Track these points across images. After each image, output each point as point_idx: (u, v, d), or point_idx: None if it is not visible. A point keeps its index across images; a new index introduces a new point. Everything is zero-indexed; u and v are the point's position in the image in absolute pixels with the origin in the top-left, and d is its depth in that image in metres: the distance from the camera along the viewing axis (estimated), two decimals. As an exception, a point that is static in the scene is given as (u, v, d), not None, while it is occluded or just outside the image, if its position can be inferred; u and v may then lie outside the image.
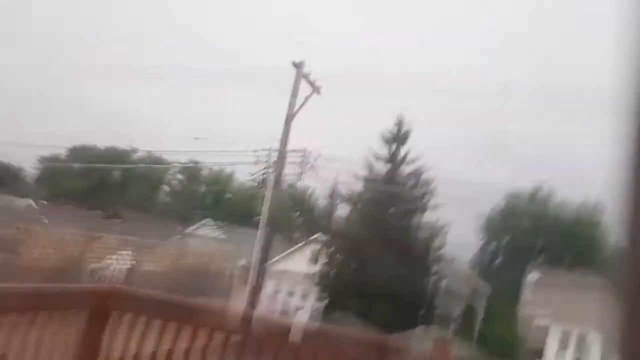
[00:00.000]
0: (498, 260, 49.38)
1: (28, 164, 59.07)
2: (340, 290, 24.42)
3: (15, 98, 71.90)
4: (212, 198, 72.23)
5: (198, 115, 75.09)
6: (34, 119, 66.59)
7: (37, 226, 9.28)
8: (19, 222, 8.79)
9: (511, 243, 48.38)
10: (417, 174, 26.85)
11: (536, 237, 48.02)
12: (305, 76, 17.96)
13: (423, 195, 27.66)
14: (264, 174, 20.03)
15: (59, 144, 72.05)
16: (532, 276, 30.60)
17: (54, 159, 61.41)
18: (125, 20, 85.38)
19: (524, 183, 49.11)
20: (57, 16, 78.22)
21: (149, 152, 66.16)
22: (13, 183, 66.36)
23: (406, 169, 26.84)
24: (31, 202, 46.92)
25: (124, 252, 11.31)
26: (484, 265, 48.98)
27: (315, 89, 18.35)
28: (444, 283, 27.68)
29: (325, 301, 27.55)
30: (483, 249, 50.28)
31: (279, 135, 18.04)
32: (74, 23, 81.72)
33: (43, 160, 59.47)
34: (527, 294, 29.27)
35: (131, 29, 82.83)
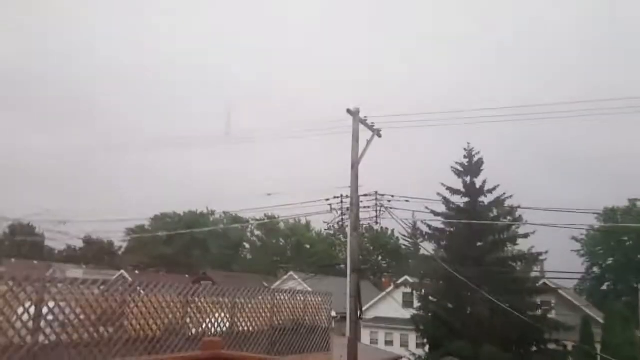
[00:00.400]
0: (606, 284, 45.66)
1: (117, 237, 62.09)
2: (440, 334, 23.06)
3: (92, 178, 77.17)
4: (292, 250, 72.62)
5: (268, 172, 77.03)
6: (114, 194, 70.81)
7: (133, 296, 9.20)
8: (117, 295, 8.72)
9: (616, 263, 44.63)
10: (498, 203, 25.43)
11: (642, 253, 44.13)
12: (363, 121, 17.76)
13: (509, 224, 26.15)
14: (339, 221, 19.62)
15: (142, 214, 76.12)
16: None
17: (139, 229, 64.29)
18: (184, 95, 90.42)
19: (612, 201, 45.67)
20: (118, 91, 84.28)
21: (226, 212, 68.06)
22: (106, 257, 70.04)
23: (486, 200, 25.50)
24: (124, 273, 49.02)
25: (217, 315, 11.03)
26: (592, 291, 45.47)
27: (376, 132, 18.07)
28: (552, 315, 25.59)
29: (426, 348, 26.17)
30: (587, 273, 46.69)
31: (347, 182, 17.73)
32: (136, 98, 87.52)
33: (129, 232, 62.38)
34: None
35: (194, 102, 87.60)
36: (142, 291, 9.59)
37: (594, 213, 41.18)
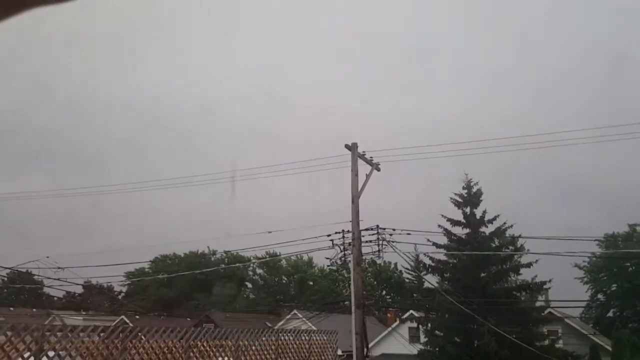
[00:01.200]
0: (612, 310, 45.05)
1: (117, 282, 61.47)
2: (449, 369, 22.63)
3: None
4: (295, 288, 71.86)
5: (269, 210, 77.09)
6: (113, 238, 70.58)
7: (134, 342, 9.08)
8: (117, 341, 8.60)
9: (620, 289, 44.18)
10: (499, 233, 25.39)
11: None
12: (361, 156, 17.94)
13: (511, 254, 26.05)
14: (342, 257, 19.52)
15: (142, 257, 75.75)
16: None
17: (139, 272, 63.70)
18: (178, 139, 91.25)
19: (612, 227, 45.60)
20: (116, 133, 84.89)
21: (227, 252, 67.64)
22: (106, 302, 69.13)
23: (487, 230, 25.46)
24: (125, 318, 48.30)
25: (221, 358, 10.85)
26: (599, 318, 44.84)
27: (374, 166, 18.23)
28: (559, 344, 25.17)
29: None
30: (592, 300, 46.14)
31: (349, 216, 17.75)
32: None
33: (129, 275, 61.82)
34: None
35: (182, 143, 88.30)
36: (143, 337, 9.46)
37: (595, 240, 41.04)
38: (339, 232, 19.09)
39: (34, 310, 54.33)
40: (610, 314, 45.40)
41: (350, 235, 17.85)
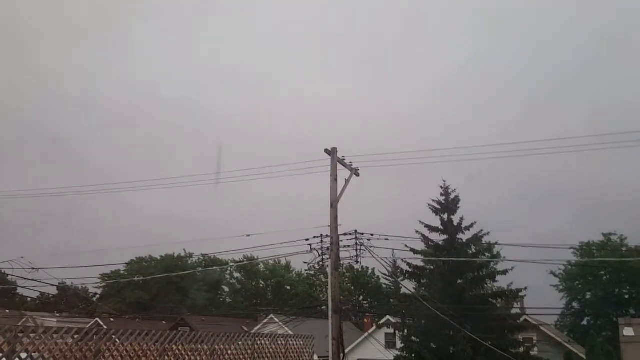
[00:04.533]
0: (586, 319, 45.80)
1: (92, 283, 60.55)
2: (425, 375, 22.73)
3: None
4: (272, 292, 71.51)
5: (247, 213, 76.64)
6: (89, 239, 69.52)
7: (109, 345, 8.95)
8: (91, 344, 8.47)
9: (595, 298, 44.97)
10: (476, 240, 25.64)
11: (620, 287, 44.58)
12: (341, 161, 18.04)
13: (488, 261, 26.32)
14: (320, 261, 19.50)
15: (117, 259, 74.68)
16: (627, 331, 27.84)
17: (114, 275, 62.77)
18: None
19: (587, 236, 46.43)
20: (95, 132, 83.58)
21: (204, 255, 67.05)
22: (81, 304, 67.95)
23: (464, 237, 25.68)
24: (99, 320, 47.51)
25: (197, 362, 10.76)
26: (573, 326, 45.54)
27: (353, 172, 18.34)
28: (534, 351, 25.50)
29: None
30: (567, 308, 46.84)
31: (327, 221, 17.78)
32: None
33: (104, 277, 60.81)
34: (626, 351, 26.48)
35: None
36: (117, 340, 9.33)
37: (570, 248, 41.72)
38: (318, 237, 19.06)
39: (7, 311, 53.08)
40: (584, 322, 46.16)
41: (328, 239, 17.86)
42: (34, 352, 7.75)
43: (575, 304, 47.35)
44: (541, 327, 30.07)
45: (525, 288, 25.41)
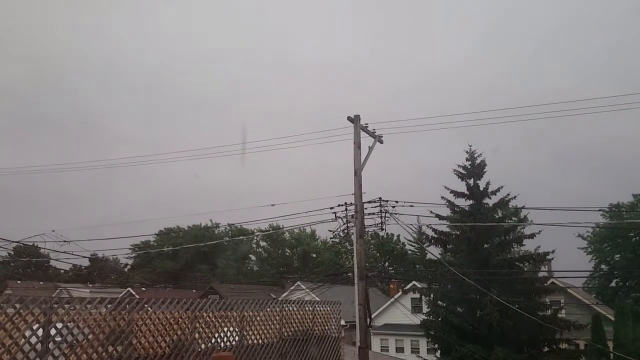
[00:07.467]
0: (615, 280, 45.31)
1: (122, 254, 62.13)
2: (452, 339, 22.86)
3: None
4: (298, 260, 72.44)
5: (272, 183, 77.03)
6: (118, 210, 70.88)
7: (141, 314, 9.15)
8: (124, 313, 8.67)
9: (624, 260, 44.33)
10: (502, 204, 25.31)
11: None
12: (364, 128, 17.76)
13: (515, 225, 26.03)
14: (344, 229, 19.49)
15: (147, 230, 76.21)
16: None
17: (144, 245, 64.18)
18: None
19: (617, 197, 45.51)
20: (121, 104, 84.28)
21: (231, 224, 68.00)
22: (112, 275, 69.93)
23: (490, 202, 25.40)
24: (131, 290, 48.91)
25: (226, 329, 10.95)
26: (601, 288, 45.14)
27: (377, 139, 18.06)
28: (562, 314, 25.38)
29: (438, 353, 25.98)
30: (595, 270, 46.37)
31: (351, 189, 17.66)
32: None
33: (135, 248, 62.27)
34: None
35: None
36: (149, 308, 9.53)
37: (599, 210, 41.03)
38: (342, 205, 19.03)
39: (41, 283, 55.01)
40: (613, 284, 45.71)
41: (353, 207, 17.82)
42: (69, 322, 7.98)
43: (603, 266, 46.84)
44: (569, 290, 29.87)
45: (553, 251, 25.16)
